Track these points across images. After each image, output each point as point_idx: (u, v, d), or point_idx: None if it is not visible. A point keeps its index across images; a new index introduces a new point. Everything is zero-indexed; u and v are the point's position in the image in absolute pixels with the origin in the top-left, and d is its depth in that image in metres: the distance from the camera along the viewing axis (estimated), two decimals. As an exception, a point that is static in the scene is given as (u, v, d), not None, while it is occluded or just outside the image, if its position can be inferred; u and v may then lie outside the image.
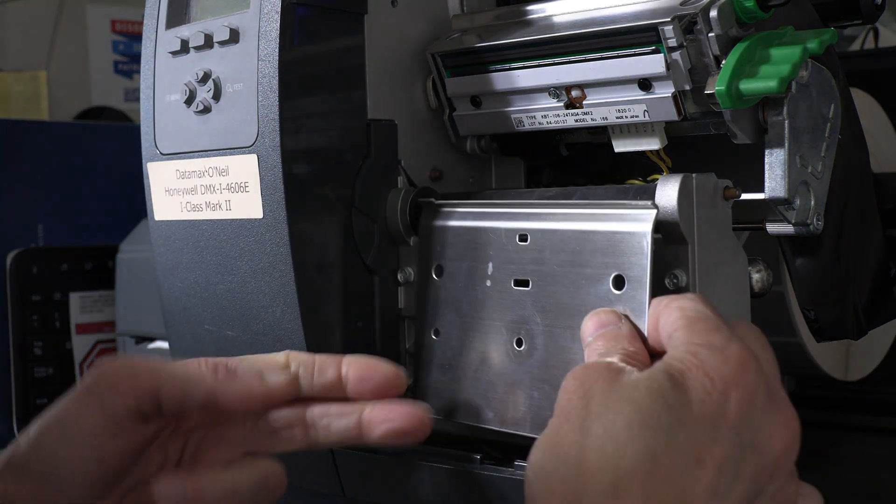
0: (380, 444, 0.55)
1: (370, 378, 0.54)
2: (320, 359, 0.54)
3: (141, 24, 0.71)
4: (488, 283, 0.62)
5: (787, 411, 0.45)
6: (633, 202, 0.56)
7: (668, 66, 0.58)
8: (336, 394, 0.54)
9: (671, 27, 0.57)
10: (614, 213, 0.56)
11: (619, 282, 0.55)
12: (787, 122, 0.58)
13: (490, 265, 0.62)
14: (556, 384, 0.50)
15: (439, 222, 0.65)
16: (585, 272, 0.57)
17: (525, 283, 0.60)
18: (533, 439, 0.48)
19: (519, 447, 0.56)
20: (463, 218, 0.64)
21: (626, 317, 0.53)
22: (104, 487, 0.51)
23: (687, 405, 0.44)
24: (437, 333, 0.64)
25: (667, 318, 0.49)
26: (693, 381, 0.44)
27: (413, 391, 0.65)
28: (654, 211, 0.54)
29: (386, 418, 0.53)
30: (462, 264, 0.63)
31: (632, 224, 0.55)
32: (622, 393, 0.45)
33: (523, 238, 0.60)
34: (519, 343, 0.60)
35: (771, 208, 0.58)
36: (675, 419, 0.43)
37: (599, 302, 0.56)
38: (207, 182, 0.66)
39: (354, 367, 0.54)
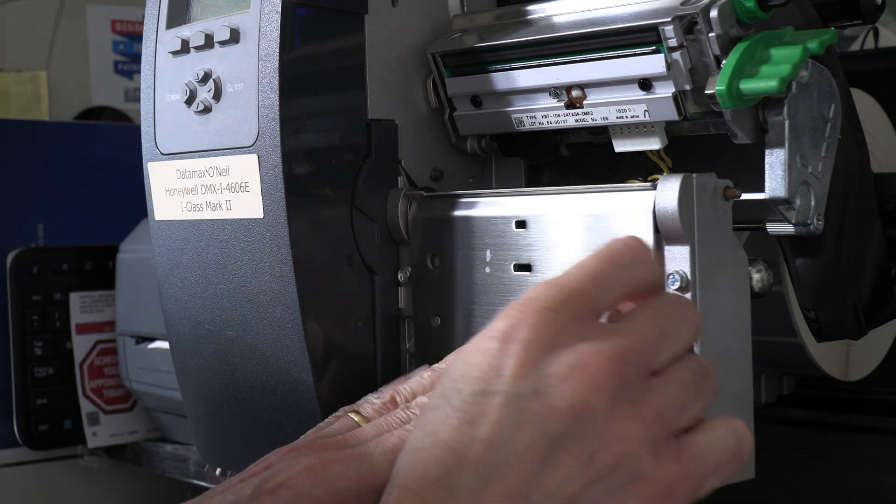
0: None
1: None
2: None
3: (141, 24, 0.71)
4: (487, 269, 0.62)
5: (581, 354, 0.45)
6: (632, 185, 0.57)
7: (668, 66, 0.59)
8: None
9: (671, 27, 0.57)
10: (615, 195, 0.57)
11: None
12: (787, 122, 0.58)
13: (488, 252, 0.62)
14: None
15: (432, 214, 0.65)
16: (588, 253, 0.57)
17: (526, 268, 0.60)
18: None
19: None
20: (456, 208, 0.64)
21: None
22: None
23: (461, 373, 0.46)
24: (438, 324, 0.64)
25: None
26: (471, 348, 0.47)
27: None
28: (654, 192, 0.54)
29: None
30: (458, 254, 0.64)
31: (634, 203, 0.55)
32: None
33: (521, 224, 0.61)
34: None
35: (771, 208, 0.59)
36: (451, 388, 0.46)
37: None
38: (208, 182, 0.66)
39: None
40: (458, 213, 0.64)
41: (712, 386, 0.49)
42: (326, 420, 0.59)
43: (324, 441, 0.55)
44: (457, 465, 0.44)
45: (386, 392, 0.59)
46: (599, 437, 0.45)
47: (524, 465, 0.44)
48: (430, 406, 0.47)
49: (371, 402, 0.59)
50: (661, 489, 0.46)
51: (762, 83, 0.55)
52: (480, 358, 0.46)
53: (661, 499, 0.46)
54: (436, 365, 0.60)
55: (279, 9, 0.62)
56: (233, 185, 0.64)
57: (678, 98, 0.60)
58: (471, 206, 0.64)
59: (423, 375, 0.59)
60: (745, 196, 0.58)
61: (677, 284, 0.54)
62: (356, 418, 0.58)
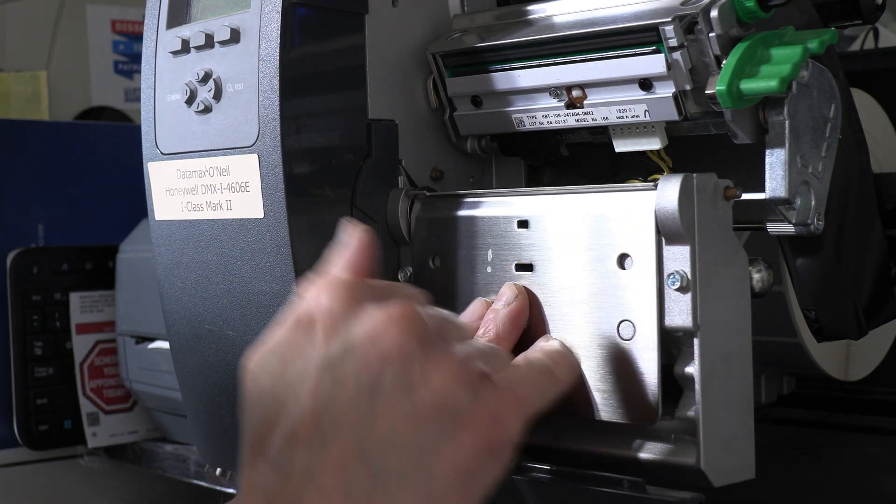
0: None
1: None
2: None
3: (141, 24, 0.71)
4: (489, 269, 0.62)
5: (384, 309, 0.48)
6: (634, 185, 0.58)
7: (668, 66, 0.59)
8: None
9: (672, 27, 0.57)
10: (616, 194, 0.57)
11: (623, 260, 0.56)
12: (787, 122, 0.58)
13: (490, 252, 0.62)
14: None
15: (434, 214, 0.65)
16: (589, 253, 0.57)
17: (528, 268, 0.60)
18: None
19: (528, 446, 0.56)
20: (458, 208, 0.64)
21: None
22: None
23: (293, 344, 0.49)
24: None
25: None
26: (279, 336, 0.50)
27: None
28: (654, 192, 0.54)
29: None
30: (460, 253, 0.64)
31: (635, 202, 0.56)
32: None
33: (523, 224, 0.61)
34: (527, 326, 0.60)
35: (771, 208, 0.59)
36: (280, 365, 0.48)
37: (605, 282, 0.56)
38: (208, 182, 0.66)
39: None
40: (461, 212, 0.64)
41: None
42: None
43: None
44: (290, 447, 0.45)
45: None
46: (415, 377, 0.47)
47: (350, 422, 0.45)
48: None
49: None
50: (488, 417, 0.48)
51: (762, 83, 0.55)
52: (290, 335, 0.49)
53: (492, 427, 0.48)
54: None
55: (279, 9, 0.62)
56: (233, 185, 0.64)
57: (678, 98, 0.60)
58: (473, 205, 0.64)
59: None
60: (745, 196, 0.58)
61: (677, 284, 0.54)
62: None
